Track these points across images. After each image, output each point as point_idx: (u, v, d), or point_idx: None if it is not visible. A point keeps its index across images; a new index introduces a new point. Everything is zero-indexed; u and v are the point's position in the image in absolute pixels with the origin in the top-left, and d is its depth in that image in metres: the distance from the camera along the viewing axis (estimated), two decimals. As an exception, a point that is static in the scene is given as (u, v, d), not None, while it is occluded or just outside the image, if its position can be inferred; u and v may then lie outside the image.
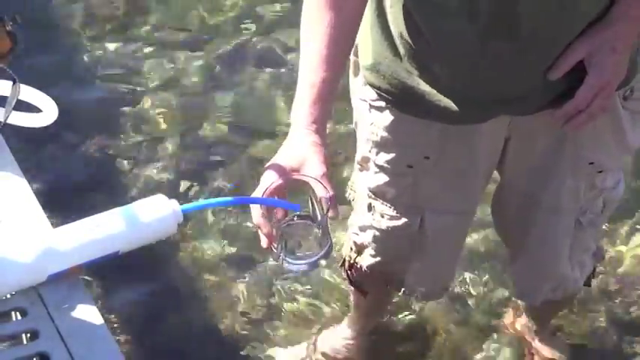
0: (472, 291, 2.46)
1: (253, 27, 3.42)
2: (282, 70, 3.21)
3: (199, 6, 3.51)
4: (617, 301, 2.46)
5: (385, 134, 1.67)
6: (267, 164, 1.40)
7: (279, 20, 3.41)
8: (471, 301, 2.45)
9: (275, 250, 1.37)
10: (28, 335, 1.35)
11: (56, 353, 1.29)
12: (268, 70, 3.22)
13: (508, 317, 2.37)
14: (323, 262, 1.40)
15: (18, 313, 1.36)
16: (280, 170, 1.38)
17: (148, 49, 3.32)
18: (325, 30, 1.45)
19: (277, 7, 3.47)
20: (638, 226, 2.65)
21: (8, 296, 1.35)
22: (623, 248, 2.57)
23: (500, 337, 2.36)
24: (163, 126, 2.99)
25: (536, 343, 2.27)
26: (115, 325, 2.31)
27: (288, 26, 3.31)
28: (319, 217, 1.36)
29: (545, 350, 2.26)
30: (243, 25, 3.43)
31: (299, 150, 1.39)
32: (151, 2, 3.50)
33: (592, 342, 2.38)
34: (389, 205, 1.76)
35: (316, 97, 1.43)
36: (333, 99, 1.46)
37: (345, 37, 1.48)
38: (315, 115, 1.42)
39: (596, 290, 2.43)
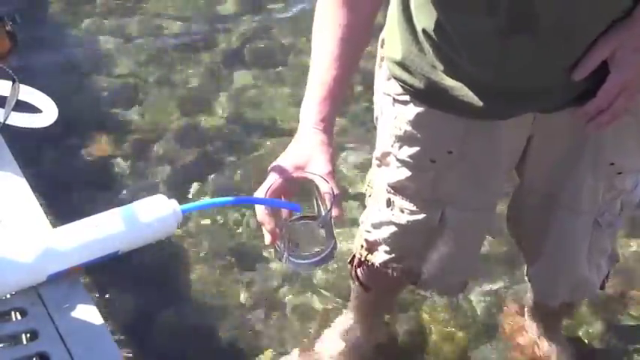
0: (475, 291, 2.46)
1: (255, 23, 3.44)
2: (286, 67, 3.21)
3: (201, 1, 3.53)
4: (617, 300, 2.46)
5: (409, 128, 1.66)
6: (274, 162, 1.40)
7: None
8: (473, 301, 2.45)
9: (279, 249, 1.37)
10: (28, 335, 1.34)
11: (56, 353, 1.29)
12: (271, 67, 3.23)
13: (510, 317, 2.37)
14: (328, 262, 1.39)
15: (18, 313, 1.36)
16: (285, 168, 1.38)
17: (148, 47, 3.32)
18: (338, 28, 1.44)
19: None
20: (637, 226, 2.65)
21: (8, 296, 1.35)
22: (623, 248, 2.57)
23: (505, 338, 2.35)
24: (164, 125, 3.00)
25: (543, 346, 2.26)
26: (115, 325, 2.31)
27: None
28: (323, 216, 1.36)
29: (553, 353, 2.25)
30: (244, 21, 3.45)
31: (305, 148, 1.40)
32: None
33: (592, 342, 2.38)
34: (409, 200, 1.75)
35: (326, 96, 1.43)
36: (342, 98, 1.46)
37: (357, 36, 1.48)
38: (324, 114, 1.42)
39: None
